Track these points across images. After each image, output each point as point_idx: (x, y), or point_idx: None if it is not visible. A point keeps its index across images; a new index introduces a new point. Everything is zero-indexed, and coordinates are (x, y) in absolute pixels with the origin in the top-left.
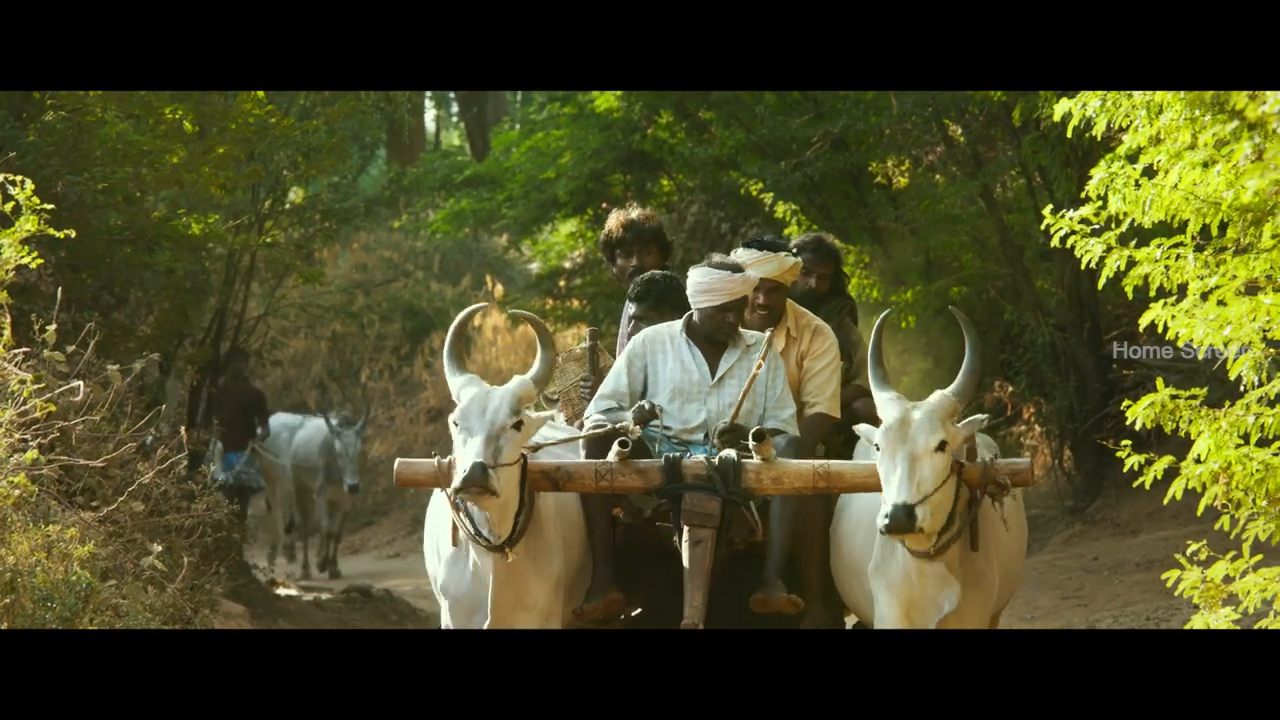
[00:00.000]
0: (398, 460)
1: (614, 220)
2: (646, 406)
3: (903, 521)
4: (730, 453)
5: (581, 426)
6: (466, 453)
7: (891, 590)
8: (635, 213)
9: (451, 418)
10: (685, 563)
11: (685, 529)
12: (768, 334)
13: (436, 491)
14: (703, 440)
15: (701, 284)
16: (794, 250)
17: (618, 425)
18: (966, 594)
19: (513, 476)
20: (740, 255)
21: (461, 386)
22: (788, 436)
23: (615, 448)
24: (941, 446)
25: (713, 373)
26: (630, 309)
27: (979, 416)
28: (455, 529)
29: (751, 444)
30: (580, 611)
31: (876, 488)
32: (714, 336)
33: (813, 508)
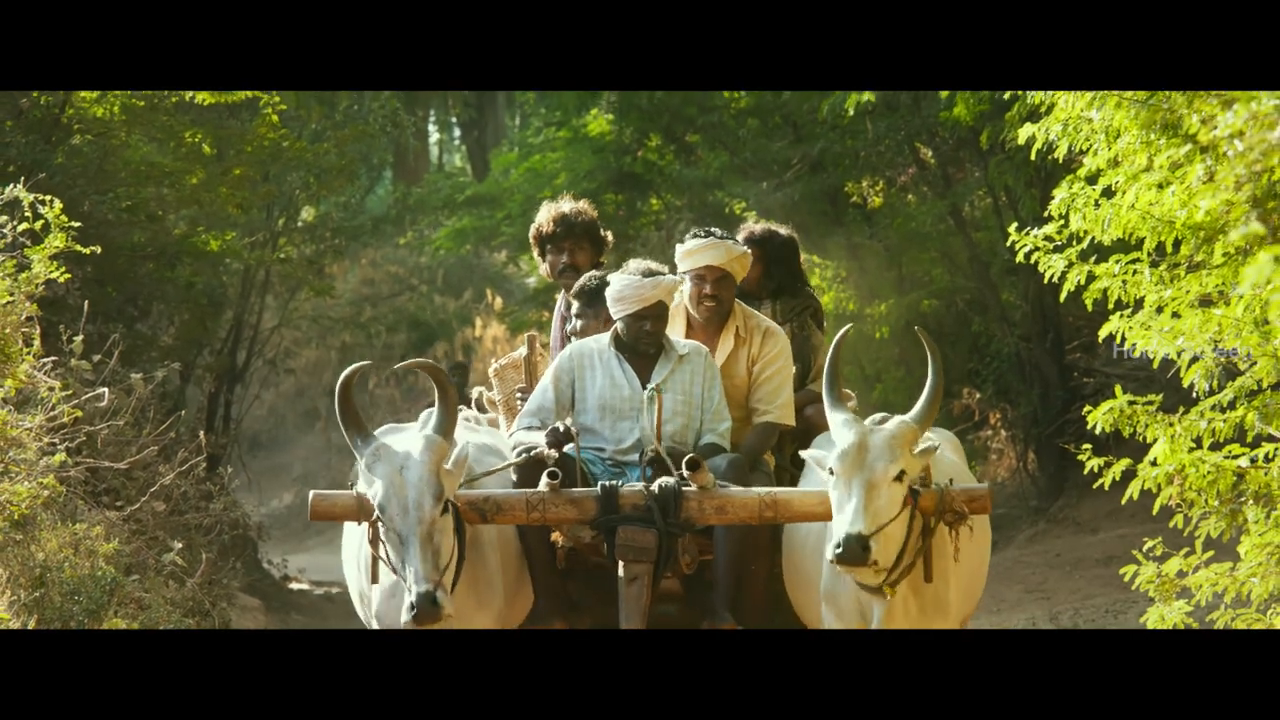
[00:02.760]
0: (312, 493)
1: (545, 214)
2: (562, 429)
3: (856, 553)
4: (670, 481)
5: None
6: (408, 576)
7: (844, 620)
8: (567, 206)
9: (366, 492)
10: (621, 601)
11: (620, 564)
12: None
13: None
14: (638, 461)
15: (614, 292)
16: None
17: (533, 453)
18: (925, 622)
19: (453, 556)
20: (685, 244)
21: (370, 462)
22: (727, 457)
23: (545, 478)
24: (900, 476)
25: (644, 387)
26: (562, 307)
27: (932, 442)
28: (375, 566)
29: (686, 473)
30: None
31: (827, 516)
32: (636, 347)
33: (758, 530)
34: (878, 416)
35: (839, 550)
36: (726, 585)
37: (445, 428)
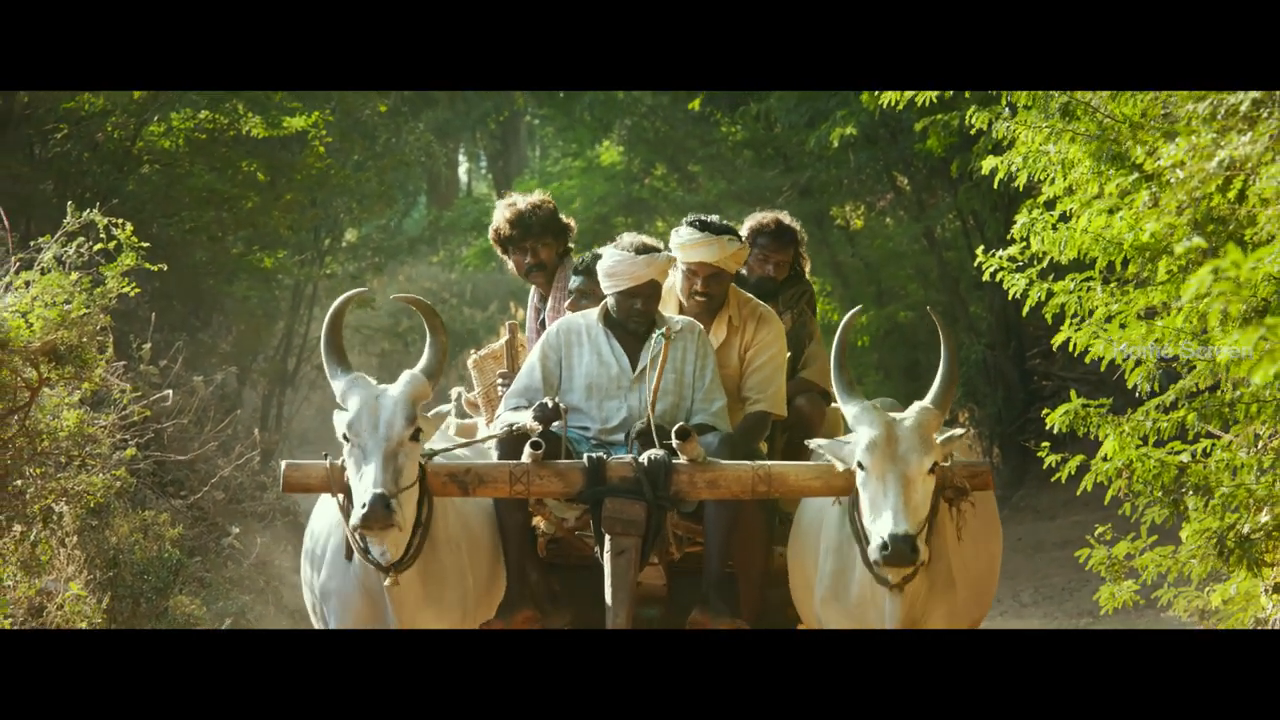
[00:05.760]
0: (284, 463)
1: (501, 215)
2: (550, 405)
3: (905, 554)
4: (660, 452)
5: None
6: (363, 481)
7: (851, 617)
8: (523, 203)
9: (339, 428)
10: (607, 575)
11: (607, 537)
12: (670, 322)
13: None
14: (624, 440)
15: (606, 267)
16: (742, 235)
17: (515, 428)
18: (935, 599)
19: (412, 497)
20: (679, 235)
21: (346, 389)
22: (719, 434)
23: (528, 449)
24: (933, 468)
25: (633, 366)
26: (535, 300)
27: (957, 431)
28: (349, 541)
29: (675, 443)
30: (487, 628)
31: (822, 492)
32: (625, 325)
33: (752, 515)
34: (877, 402)
35: (886, 552)
36: (717, 569)
37: (432, 369)
